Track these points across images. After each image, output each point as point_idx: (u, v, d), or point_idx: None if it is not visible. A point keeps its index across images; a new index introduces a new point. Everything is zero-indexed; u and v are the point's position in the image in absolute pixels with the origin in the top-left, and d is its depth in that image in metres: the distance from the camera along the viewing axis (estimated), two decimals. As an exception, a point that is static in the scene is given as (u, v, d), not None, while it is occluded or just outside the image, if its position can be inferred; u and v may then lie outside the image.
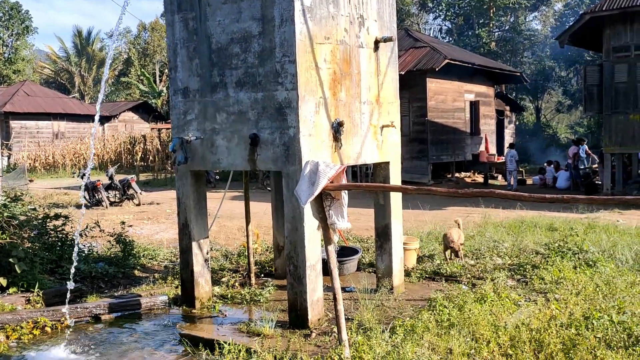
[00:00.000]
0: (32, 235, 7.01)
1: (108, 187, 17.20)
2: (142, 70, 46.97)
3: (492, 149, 24.75)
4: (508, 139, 28.47)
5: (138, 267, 8.37)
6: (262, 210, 13.31)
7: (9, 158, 31.49)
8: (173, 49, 6.38)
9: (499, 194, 3.30)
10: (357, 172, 20.58)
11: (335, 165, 4.20)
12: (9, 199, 7.09)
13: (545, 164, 21.49)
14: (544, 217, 11.59)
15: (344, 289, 6.43)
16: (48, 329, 5.80)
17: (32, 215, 7.45)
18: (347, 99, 6.11)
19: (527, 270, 7.34)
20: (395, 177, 7.00)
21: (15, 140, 33.99)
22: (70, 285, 5.86)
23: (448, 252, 7.99)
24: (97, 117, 6.66)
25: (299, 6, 5.44)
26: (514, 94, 39.50)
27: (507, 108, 29.74)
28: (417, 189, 3.84)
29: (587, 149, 19.37)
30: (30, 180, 22.61)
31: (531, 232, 10.04)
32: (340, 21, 5.99)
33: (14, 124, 34.44)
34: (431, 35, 45.64)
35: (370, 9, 6.45)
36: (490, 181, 22.27)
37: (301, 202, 4.23)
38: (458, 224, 8.32)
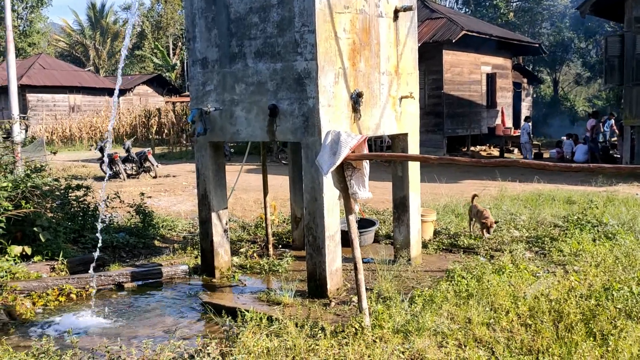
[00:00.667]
0: (55, 205, 7.12)
1: (125, 160, 17.35)
2: (156, 43, 46.87)
3: (509, 122, 24.50)
4: (525, 111, 28.15)
5: (158, 238, 8.48)
6: (278, 183, 13.39)
7: (26, 131, 31.77)
8: (191, 19, 6.35)
9: (524, 163, 3.28)
10: (372, 145, 20.52)
11: (357, 135, 4.20)
12: (30, 170, 7.18)
13: (563, 138, 21.26)
14: (561, 190, 11.53)
15: (362, 260, 6.47)
16: (73, 296, 5.93)
17: (55, 186, 7.55)
18: (367, 69, 6.07)
19: (545, 242, 7.33)
20: (414, 148, 6.97)
21: (32, 113, 34.24)
22: (96, 253, 5.97)
23: (475, 226, 7.92)
24: (116, 91, 6.70)
25: (319, -25, 5.37)
26: (531, 66, 38.89)
27: (525, 80, 29.34)
28: (439, 158, 3.84)
29: (613, 124, 19.00)
30: (54, 153, 22.83)
31: (549, 205, 10.00)
32: (359, -10, 5.91)
33: (31, 97, 34.65)
34: (447, 6, 44.89)
35: (390, -22, 6.35)
36: (506, 155, 22.12)
37: (323, 172, 4.24)
38: (474, 197, 8.28)
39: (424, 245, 7.43)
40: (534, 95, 33.59)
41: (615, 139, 19.37)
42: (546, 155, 21.62)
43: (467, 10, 42.46)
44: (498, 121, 23.80)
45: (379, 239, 8.19)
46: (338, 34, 5.66)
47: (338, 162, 4.09)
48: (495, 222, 7.46)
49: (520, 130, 21.62)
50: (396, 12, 6.46)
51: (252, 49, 5.88)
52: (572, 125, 31.33)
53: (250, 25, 5.85)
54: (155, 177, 17.17)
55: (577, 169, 3.15)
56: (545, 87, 42.32)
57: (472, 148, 22.79)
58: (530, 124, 20.67)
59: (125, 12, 60.43)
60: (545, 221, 8.67)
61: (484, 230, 7.55)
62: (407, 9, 6.48)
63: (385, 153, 4.15)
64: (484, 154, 22.97)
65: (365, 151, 4.26)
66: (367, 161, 4.28)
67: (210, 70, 6.25)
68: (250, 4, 5.81)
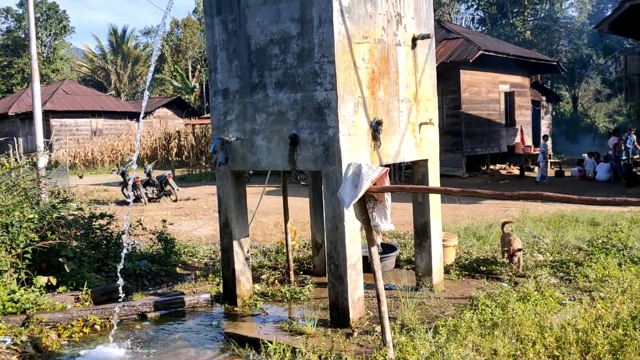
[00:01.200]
0: (79, 234, 7.23)
1: (146, 184, 17.55)
2: (175, 66, 47.63)
3: (528, 140, 24.34)
4: (544, 129, 27.96)
5: (179, 265, 8.54)
6: (297, 205, 13.40)
7: (49, 156, 32.36)
8: (213, 51, 6.46)
9: (547, 196, 3.26)
10: (390, 166, 20.50)
11: (378, 168, 4.22)
12: (57, 200, 7.31)
13: (584, 155, 21.04)
14: (584, 210, 11.37)
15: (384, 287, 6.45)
16: (97, 327, 5.98)
17: (79, 215, 7.66)
18: (386, 97, 6.11)
19: (570, 267, 7.23)
20: (434, 174, 6.97)
21: (55, 138, 34.88)
22: (120, 282, 6.02)
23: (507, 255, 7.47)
24: (142, 115, 6.79)
25: (337, 6, 5.44)
26: (549, 83, 38.70)
27: (544, 98, 29.18)
28: (462, 191, 3.83)
29: (635, 141, 18.78)
30: (80, 177, 23.36)
31: (572, 227, 9.87)
32: (378, 20, 5.97)
33: (54, 121, 35.35)
34: (463, 25, 45.00)
35: (407, 7, 6.42)
36: (526, 173, 21.92)
37: (345, 205, 4.26)
38: (505, 224, 7.91)
39: (446, 270, 7.38)
40: (554, 113, 33.34)
41: (638, 155, 19.12)
42: (567, 173, 21.40)
43: (483, 29, 42.54)
44: (517, 139, 23.66)
45: (400, 264, 8.15)
46: (357, 63, 5.71)
47: (360, 195, 4.10)
48: (519, 250, 7.25)
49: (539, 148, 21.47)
50: (414, 40, 6.51)
51: (273, 79, 5.95)
52: (594, 142, 31.02)
53: (270, 56, 5.94)
54: (175, 200, 17.33)
55: (601, 203, 3.12)
56: (564, 104, 42.03)
57: (491, 167, 22.65)
58: (547, 142, 20.50)
59: (146, 36, 61.74)
60: (569, 244, 8.55)
61: (508, 258, 7.35)
62: (424, 36, 6.53)
63: (407, 186, 4.14)
64: (504, 172, 22.80)
65: (387, 183, 4.27)
66: (389, 194, 4.28)
67: (231, 101, 6.33)
68: (271, 35, 5.90)
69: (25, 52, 48.74)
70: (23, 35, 49.19)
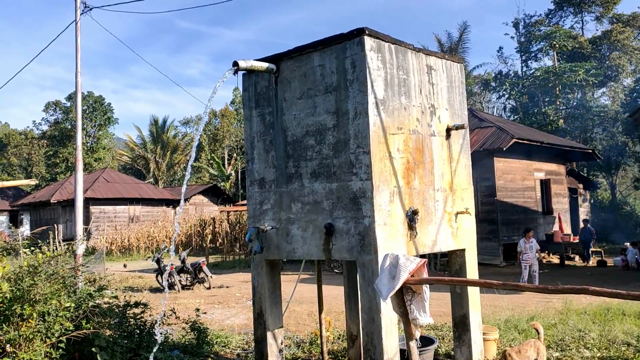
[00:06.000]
0: (113, 323, 7.19)
1: (180, 271, 17.61)
2: (212, 154, 49.06)
3: (567, 229, 23.78)
4: (583, 217, 27.37)
5: (212, 355, 8.36)
6: (331, 294, 13.18)
7: (87, 242, 32.98)
8: (250, 142, 6.66)
9: (594, 291, 3.14)
10: (426, 255, 20.18)
11: (416, 259, 4.16)
12: (93, 289, 7.35)
13: (627, 244, 20.38)
14: (631, 303, 10.85)
15: (422, 384, 6.16)
16: (126, 421, 5.81)
17: (114, 303, 7.67)
18: (421, 187, 6.12)
19: (620, 364, 6.82)
20: (472, 263, 6.83)
21: (94, 225, 35.71)
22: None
23: None
24: (181, 203, 6.89)
25: (372, 99, 5.60)
26: (586, 171, 38.30)
27: (580, 186, 28.80)
28: (503, 284, 3.72)
29: None
30: (125, 266, 23.75)
31: (619, 320, 9.41)
32: (412, 111, 6.11)
33: (94, 209, 36.35)
34: (495, 113, 45.61)
35: (441, 98, 6.56)
36: (566, 262, 21.25)
37: (382, 297, 4.17)
38: (537, 331, 6.65)
39: (488, 366, 7.04)
40: (591, 201, 32.77)
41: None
42: (610, 263, 20.66)
43: (515, 117, 42.95)
44: (556, 227, 23.15)
45: (439, 357, 7.81)
46: (392, 154, 5.79)
47: (397, 287, 4.02)
48: None
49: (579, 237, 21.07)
50: (448, 130, 6.60)
51: (308, 169, 6.06)
52: (634, 230, 30.13)
53: (306, 147, 6.07)
54: (209, 288, 17.27)
55: (653, 299, 2.98)
56: (602, 191, 41.35)
57: (530, 256, 22.04)
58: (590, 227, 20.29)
59: (185, 126, 64.24)
60: (617, 339, 8.12)
61: None
62: (459, 127, 6.62)
63: (446, 277, 4.02)
64: (543, 261, 22.14)
65: (425, 274, 4.19)
66: (427, 285, 4.19)
67: (267, 190, 6.43)
68: (307, 127, 6.06)
69: (70, 142, 51.16)
70: (69, 127, 51.77)
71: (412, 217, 5.84)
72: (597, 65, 40.33)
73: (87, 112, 52.32)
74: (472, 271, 6.80)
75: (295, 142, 6.19)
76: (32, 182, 8.63)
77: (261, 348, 6.51)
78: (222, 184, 47.86)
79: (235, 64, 5.91)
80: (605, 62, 41.70)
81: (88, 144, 52.77)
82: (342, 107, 5.77)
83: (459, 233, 6.63)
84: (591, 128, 40.15)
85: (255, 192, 6.57)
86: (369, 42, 5.62)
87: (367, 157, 5.57)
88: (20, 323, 6.00)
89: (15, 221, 47.98)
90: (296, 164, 6.17)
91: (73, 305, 6.21)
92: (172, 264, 17.47)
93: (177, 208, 36.59)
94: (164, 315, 8.30)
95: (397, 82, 5.92)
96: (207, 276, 17.47)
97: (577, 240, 21.55)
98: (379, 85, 5.68)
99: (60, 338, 6.14)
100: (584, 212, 28.28)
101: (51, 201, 36.78)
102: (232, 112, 57.31)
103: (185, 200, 41.86)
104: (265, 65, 6.23)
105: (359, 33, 5.61)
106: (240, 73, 6.73)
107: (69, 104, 52.63)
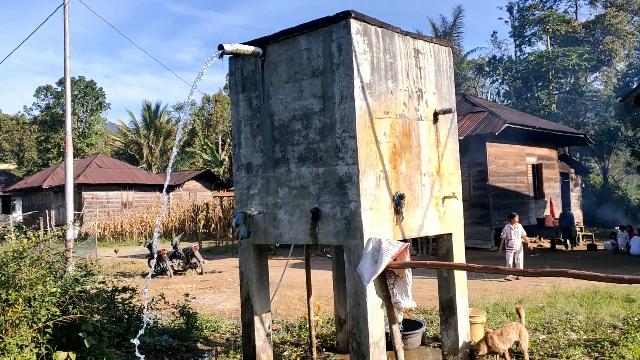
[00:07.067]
0: (101, 308, 7.19)
1: (172, 256, 17.60)
2: (206, 140, 48.87)
3: (558, 213, 23.89)
4: (575, 202, 27.51)
5: (201, 340, 8.39)
6: (322, 279, 13.22)
7: (79, 228, 32.91)
8: (237, 126, 6.62)
9: (573, 274, 3.15)
10: (418, 240, 20.25)
11: (399, 243, 4.16)
12: (80, 273, 7.34)
13: (617, 228, 20.52)
14: (619, 287, 10.94)
15: (408, 367, 6.20)
16: (113, 405, 5.83)
17: (102, 288, 7.66)
18: (408, 171, 6.11)
19: (605, 347, 6.89)
20: (459, 248, 6.85)
21: (86, 210, 35.60)
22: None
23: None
24: (166, 185, 6.85)
25: (359, 83, 5.57)
26: (578, 155, 38.43)
27: (572, 170, 28.89)
28: (484, 268, 3.73)
29: None
30: (116, 251, 23.76)
31: (606, 303, 9.49)
32: (399, 95, 6.08)
33: (86, 194, 36.20)
34: (489, 98, 45.58)
35: (428, 82, 6.54)
36: (557, 246, 21.39)
37: (364, 281, 4.18)
38: (519, 315, 6.78)
39: (474, 349, 7.08)
40: (583, 185, 32.92)
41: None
42: (600, 247, 20.81)
43: (508, 102, 42.95)
44: (547, 212, 23.28)
45: (427, 341, 7.87)
46: (379, 138, 5.77)
47: (380, 271, 4.03)
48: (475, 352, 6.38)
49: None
50: (436, 114, 6.58)
51: (295, 154, 6.03)
52: (626, 214, 30.30)
53: (293, 131, 6.05)
54: (201, 273, 17.29)
55: (630, 281, 3.00)
56: (594, 176, 41.51)
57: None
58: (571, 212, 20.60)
59: (178, 111, 63.87)
60: (604, 322, 8.19)
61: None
62: (446, 111, 6.60)
63: (428, 262, 4.02)
64: (533, 245, 22.27)
65: (407, 259, 4.19)
66: (410, 269, 4.20)
67: (254, 175, 6.41)
68: (294, 111, 6.03)
69: (62, 127, 50.75)
70: (61, 112, 51.39)
71: (398, 202, 5.84)
72: (590, 49, 40.31)
73: (79, 97, 51.87)
74: (459, 255, 6.82)
75: (282, 126, 6.16)
76: (12, 166, 8.58)
77: (248, 332, 6.53)
78: (215, 169, 47.72)
79: (221, 47, 5.85)
80: (599, 47, 41.68)
81: (80, 129, 52.40)
82: (329, 91, 5.74)
83: (445, 217, 6.64)
84: (584, 113, 40.23)
85: (243, 176, 6.55)
86: (355, 25, 5.57)
87: (353, 141, 5.55)
88: (7, 308, 5.98)
89: (7, 207, 47.85)
90: (283, 148, 6.15)
91: (59, 290, 6.19)
92: (163, 250, 17.53)
93: (161, 197, 36.50)
94: (152, 299, 8.31)
95: (383, 65, 5.88)
96: (199, 261, 17.48)
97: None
98: (365, 69, 5.65)
99: (47, 323, 6.13)
100: (575, 196, 28.40)
101: (43, 187, 36.60)
102: (225, 97, 56.98)
103: (179, 185, 41.78)
104: (251, 49, 6.17)
105: (345, 16, 5.56)
106: (227, 57, 6.67)
107: (60, 89, 52.18)
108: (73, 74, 51.80)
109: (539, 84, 41.89)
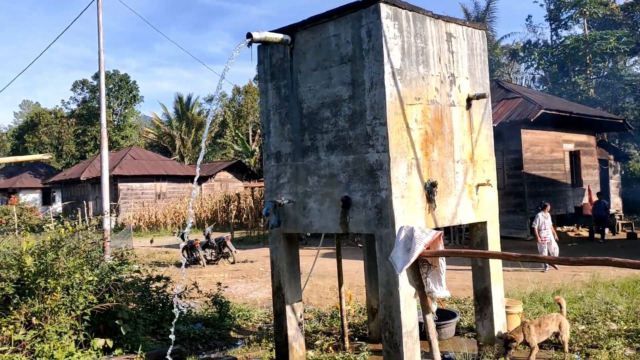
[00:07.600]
0: (136, 296, 7.30)
1: (205, 246, 17.81)
2: (237, 131, 49.16)
3: (596, 201, 23.29)
4: (614, 189, 26.76)
5: (233, 328, 8.45)
6: (354, 269, 13.19)
7: (116, 218, 33.58)
8: (266, 115, 6.59)
9: (617, 262, 3.01)
10: (450, 229, 20.00)
11: (432, 231, 4.06)
12: (116, 262, 7.46)
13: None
14: (661, 276, 10.61)
15: (442, 356, 6.11)
16: (149, 393, 5.91)
17: (137, 277, 7.78)
18: (440, 158, 5.99)
19: (647, 338, 6.67)
20: (494, 236, 6.69)
21: (122, 202, 36.29)
22: (170, 348, 5.98)
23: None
24: (196, 178, 6.87)
25: (389, 69, 5.46)
26: (617, 141, 37.37)
27: (611, 157, 28.09)
28: (522, 256, 3.61)
29: None
30: (151, 241, 24.18)
31: (648, 293, 9.20)
32: (430, 81, 5.95)
33: (122, 186, 36.89)
34: (523, 84, 44.60)
35: (461, 67, 6.38)
36: (596, 235, 20.86)
37: (397, 270, 4.10)
38: (560, 305, 6.64)
39: (510, 339, 6.94)
40: (622, 172, 32.00)
41: None
42: (641, 235, 20.22)
43: (544, 88, 41.99)
44: (585, 200, 22.69)
45: (461, 331, 7.77)
46: (410, 125, 5.66)
47: (412, 260, 3.95)
48: (513, 341, 6.14)
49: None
50: (469, 100, 6.42)
51: (324, 142, 5.97)
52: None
53: (322, 119, 5.98)
54: (233, 262, 17.44)
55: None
56: (634, 162, 40.32)
57: (558, 228, 21.68)
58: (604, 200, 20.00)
59: (209, 103, 64.34)
60: (646, 312, 7.94)
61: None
62: (480, 96, 6.44)
63: (462, 250, 3.93)
64: (572, 234, 21.77)
65: (441, 247, 4.10)
66: (443, 258, 4.11)
67: (283, 164, 6.38)
68: (322, 99, 5.96)
69: (98, 120, 51.73)
70: (97, 105, 52.37)
71: (430, 190, 5.73)
72: (629, 32, 38.99)
73: (113, 90, 52.75)
74: (493, 244, 6.68)
75: (310, 114, 6.09)
76: (46, 156, 8.75)
77: (280, 321, 6.53)
78: (246, 160, 48.02)
79: (249, 35, 5.81)
80: (638, 30, 40.28)
81: (115, 122, 53.34)
82: (358, 77, 5.64)
83: (479, 205, 6.49)
84: (622, 97, 39.04)
85: (272, 165, 6.52)
86: (385, 9, 5.46)
87: (383, 128, 5.45)
88: (46, 296, 6.11)
89: (47, 198, 49.18)
90: (312, 136, 6.09)
91: (96, 279, 6.30)
92: (196, 240, 17.73)
93: (196, 186, 36.88)
94: (186, 288, 8.40)
95: (414, 50, 5.76)
96: (231, 251, 17.64)
97: (611, 212, 21.07)
98: (396, 54, 5.53)
99: (85, 311, 6.25)
100: (614, 183, 27.63)
101: (81, 179, 37.44)
102: (255, 88, 57.14)
103: (211, 176, 42.18)
104: (279, 36, 6.12)
105: (374, 0, 5.45)
106: (255, 46, 6.64)
107: (95, 83, 53.12)
108: (107, 68, 52.68)
109: (576, 69, 40.80)
